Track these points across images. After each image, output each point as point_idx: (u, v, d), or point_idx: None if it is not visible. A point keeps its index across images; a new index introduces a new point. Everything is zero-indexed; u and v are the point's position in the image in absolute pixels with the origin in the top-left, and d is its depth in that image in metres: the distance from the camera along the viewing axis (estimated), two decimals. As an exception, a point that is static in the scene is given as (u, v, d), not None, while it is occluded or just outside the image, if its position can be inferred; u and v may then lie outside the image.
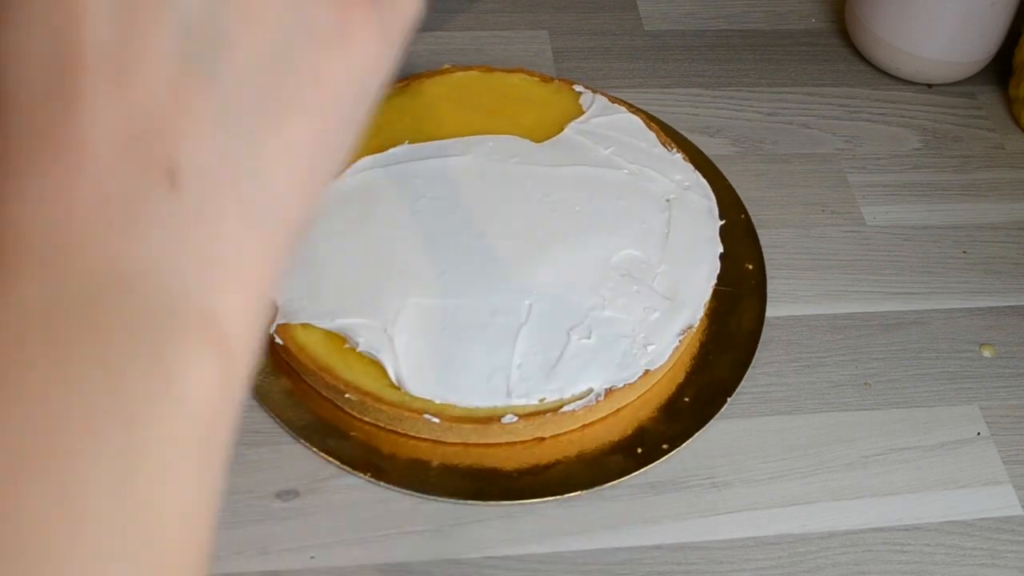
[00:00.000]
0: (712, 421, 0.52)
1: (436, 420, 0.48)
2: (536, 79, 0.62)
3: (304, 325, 0.50)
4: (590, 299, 0.52)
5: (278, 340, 0.50)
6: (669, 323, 0.52)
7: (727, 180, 0.62)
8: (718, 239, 0.56)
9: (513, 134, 0.59)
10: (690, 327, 0.52)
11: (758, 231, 0.60)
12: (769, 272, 0.58)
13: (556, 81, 0.63)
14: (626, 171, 0.58)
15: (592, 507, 0.49)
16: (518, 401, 0.49)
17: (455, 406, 0.48)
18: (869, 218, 0.62)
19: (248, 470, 0.48)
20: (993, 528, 0.50)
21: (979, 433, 0.53)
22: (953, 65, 0.69)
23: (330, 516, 0.47)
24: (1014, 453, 0.52)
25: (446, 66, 0.62)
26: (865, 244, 0.61)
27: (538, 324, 0.51)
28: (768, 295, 0.57)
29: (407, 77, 0.61)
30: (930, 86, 0.71)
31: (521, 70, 0.63)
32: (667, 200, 0.57)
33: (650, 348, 0.51)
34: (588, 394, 0.49)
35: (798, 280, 0.59)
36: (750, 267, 0.58)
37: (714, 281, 0.54)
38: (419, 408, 0.48)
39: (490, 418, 0.48)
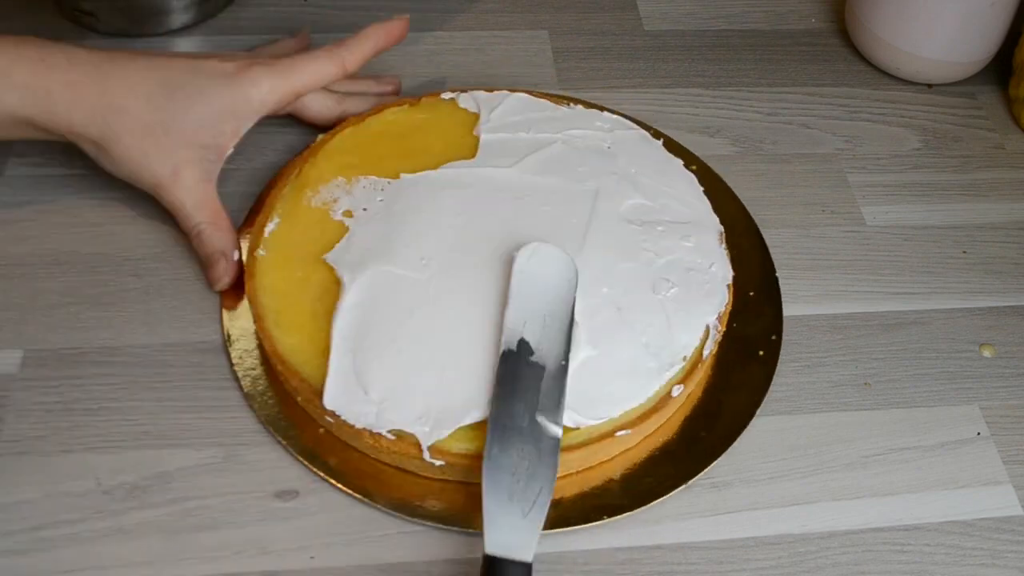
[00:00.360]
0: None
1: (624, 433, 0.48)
2: (405, 106, 0.60)
3: (451, 434, 0.47)
4: (641, 257, 0.53)
5: (437, 463, 0.47)
6: (707, 241, 0.55)
7: (727, 184, 0.62)
8: (668, 153, 0.60)
9: (439, 165, 0.57)
10: (722, 233, 0.56)
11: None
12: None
13: (423, 98, 0.61)
14: (559, 141, 0.59)
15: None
16: (677, 368, 0.50)
17: (641, 406, 0.49)
18: (869, 218, 0.62)
19: (248, 470, 0.48)
20: (993, 528, 0.50)
21: (979, 433, 0.53)
22: (953, 65, 0.69)
23: (330, 516, 0.47)
24: (1014, 453, 0.52)
25: (319, 138, 0.58)
26: (865, 244, 0.61)
27: (629, 305, 0.51)
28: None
29: (291, 163, 0.58)
30: (930, 86, 0.71)
31: (386, 105, 0.60)
32: (607, 147, 0.59)
33: (713, 267, 0.53)
34: (709, 332, 0.51)
35: (798, 280, 0.59)
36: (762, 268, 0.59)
37: (701, 188, 0.58)
38: (626, 423, 0.48)
39: (667, 395, 0.49)
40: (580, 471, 0.49)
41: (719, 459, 0.50)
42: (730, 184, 0.62)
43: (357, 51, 0.58)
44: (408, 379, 0.48)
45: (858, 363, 0.55)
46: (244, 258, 0.54)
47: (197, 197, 0.54)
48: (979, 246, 0.62)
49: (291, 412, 0.50)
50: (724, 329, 0.52)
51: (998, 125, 0.69)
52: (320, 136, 0.58)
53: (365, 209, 0.55)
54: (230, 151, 0.55)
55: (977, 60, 0.69)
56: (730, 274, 0.54)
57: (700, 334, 0.51)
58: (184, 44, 0.67)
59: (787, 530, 0.49)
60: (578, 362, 0.49)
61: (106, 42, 0.66)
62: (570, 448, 0.47)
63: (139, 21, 0.67)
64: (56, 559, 0.45)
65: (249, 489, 0.48)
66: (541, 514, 0.43)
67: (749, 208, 0.61)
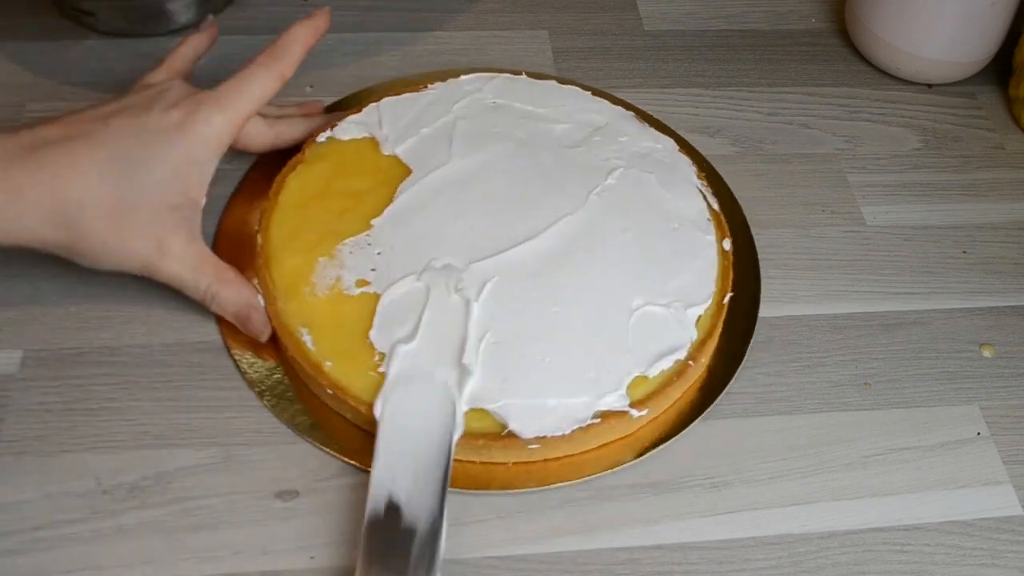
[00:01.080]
0: (712, 420, 0.52)
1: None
2: (305, 162, 0.56)
3: (635, 381, 0.50)
4: (611, 165, 0.58)
5: (643, 412, 0.49)
6: (632, 128, 0.61)
7: (726, 183, 0.62)
8: (536, 80, 0.64)
9: (391, 196, 0.55)
10: (635, 115, 0.62)
11: (755, 231, 0.60)
12: (769, 272, 0.58)
13: (305, 151, 0.57)
14: (456, 120, 0.60)
15: (592, 507, 0.49)
16: (713, 224, 0.57)
17: (719, 276, 0.54)
18: (869, 218, 0.62)
19: (248, 470, 0.48)
20: (993, 528, 0.50)
21: (979, 433, 0.53)
22: (953, 65, 0.69)
23: (330, 516, 0.47)
24: (1014, 453, 0.53)
25: (259, 240, 0.54)
26: (865, 244, 0.61)
27: (643, 206, 0.57)
28: (767, 295, 0.57)
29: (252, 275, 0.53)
30: (930, 86, 0.71)
31: (290, 168, 0.56)
32: (493, 102, 0.62)
33: (659, 144, 0.60)
34: (702, 192, 0.58)
35: (798, 280, 0.59)
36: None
37: (588, 92, 0.63)
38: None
39: (684, 365, 0.51)
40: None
41: (719, 459, 0.50)
42: (729, 184, 0.62)
43: (289, 57, 0.54)
44: (559, 367, 0.49)
45: (858, 363, 0.55)
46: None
47: (192, 261, 0.50)
48: (979, 246, 0.62)
49: (295, 413, 0.50)
50: (707, 183, 0.58)
51: (998, 125, 0.69)
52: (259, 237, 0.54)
53: (374, 269, 0.52)
54: (204, 200, 0.51)
55: (977, 60, 0.69)
56: (671, 142, 0.61)
57: (699, 197, 0.57)
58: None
59: (787, 530, 0.49)
60: (665, 267, 0.54)
61: (106, 42, 0.66)
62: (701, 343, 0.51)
63: (139, 21, 0.67)
64: (56, 559, 0.45)
65: (249, 489, 0.48)
66: None
67: (749, 208, 0.61)
